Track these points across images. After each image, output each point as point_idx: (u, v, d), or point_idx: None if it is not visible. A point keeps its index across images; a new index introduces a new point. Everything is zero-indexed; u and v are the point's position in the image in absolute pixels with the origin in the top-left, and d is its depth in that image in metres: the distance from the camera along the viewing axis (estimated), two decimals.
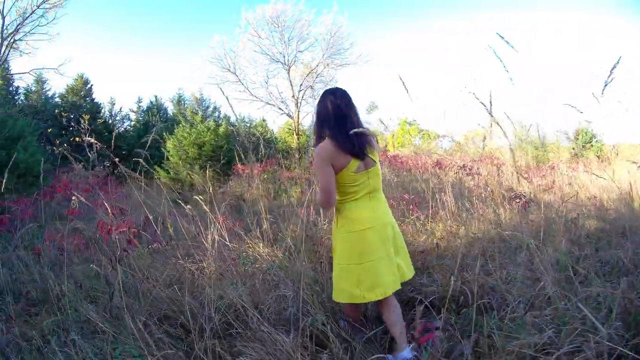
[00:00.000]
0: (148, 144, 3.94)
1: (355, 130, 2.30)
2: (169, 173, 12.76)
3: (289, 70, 15.86)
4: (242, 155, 4.73)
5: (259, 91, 16.05)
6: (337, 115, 2.43)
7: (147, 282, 3.11)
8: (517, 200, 5.21)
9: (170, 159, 13.00)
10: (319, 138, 2.50)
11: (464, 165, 8.50)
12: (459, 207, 5.21)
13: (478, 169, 8.09)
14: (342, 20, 15.74)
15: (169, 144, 13.14)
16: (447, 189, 5.36)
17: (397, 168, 9.97)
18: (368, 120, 33.75)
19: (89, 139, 3.72)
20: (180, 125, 13.93)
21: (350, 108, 2.47)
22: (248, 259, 3.76)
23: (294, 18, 15.67)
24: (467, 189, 6.07)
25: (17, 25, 11.53)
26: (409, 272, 2.59)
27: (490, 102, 2.63)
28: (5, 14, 11.18)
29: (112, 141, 4.83)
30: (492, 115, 2.61)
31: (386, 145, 26.12)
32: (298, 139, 16.06)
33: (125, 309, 2.57)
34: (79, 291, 3.38)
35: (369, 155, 2.47)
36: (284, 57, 15.79)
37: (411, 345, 2.31)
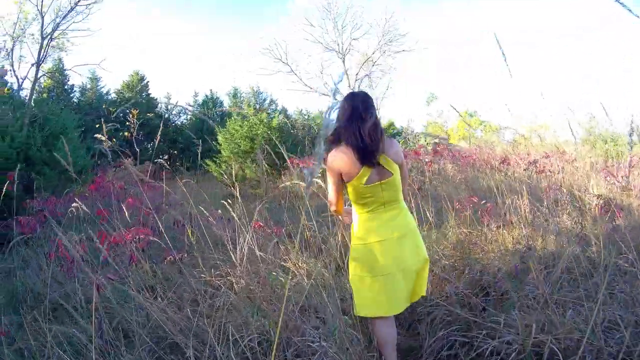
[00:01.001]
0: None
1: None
2: (220, 167, 12.50)
3: (343, 59, 15.21)
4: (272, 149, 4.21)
5: (314, 82, 15.53)
6: (351, 119, 2.27)
7: (145, 303, 2.64)
8: (604, 207, 4.44)
9: (222, 152, 12.75)
10: (335, 142, 2.35)
11: (534, 160, 7.72)
12: (534, 214, 4.50)
13: (552, 165, 7.26)
14: (395, 5, 14.97)
15: (221, 137, 12.89)
16: (520, 190, 4.64)
17: (461, 164, 9.19)
18: (428, 112, 32.74)
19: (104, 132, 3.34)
20: (232, 117, 13.66)
21: (367, 112, 2.28)
22: (281, 278, 3.24)
23: (346, 4, 15.06)
24: (542, 190, 5.27)
25: (56, 24, 11.52)
26: (421, 291, 2.45)
27: None
28: (44, 13, 11.20)
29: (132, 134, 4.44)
30: None
31: (449, 139, 25.11)
32: None
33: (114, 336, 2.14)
34: (88, 306, 3.03)
35: (384, 165, 2.32)
36: (338, 45, 15.18)
37: None
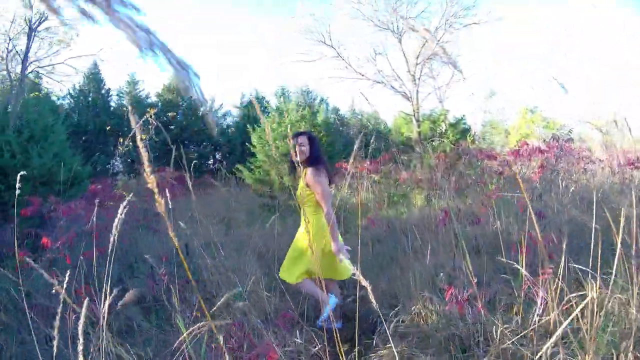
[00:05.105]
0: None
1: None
2: (254, 173, 10.32)
3: (400, 39, 12.51)
4: None
5: (366, 68, 12.89)
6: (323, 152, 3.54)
7: None
8: None
9: (257, 155, 10.57)
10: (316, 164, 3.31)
11: None
12: None
13: None
14: None
15: (254, 138, 10.70)
16: None
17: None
18: (486, 108, 30.42)
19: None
20: (270, 115, 11.49)
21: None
22: None
23: None
24: None
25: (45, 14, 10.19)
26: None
27: None
28: (32, 2, 9.87)
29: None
30: None
31: (507, 136, 22.55)
32: (419, 126, 12.63)
33: None
34: None
35: None
36: (392, 23, 12.52)
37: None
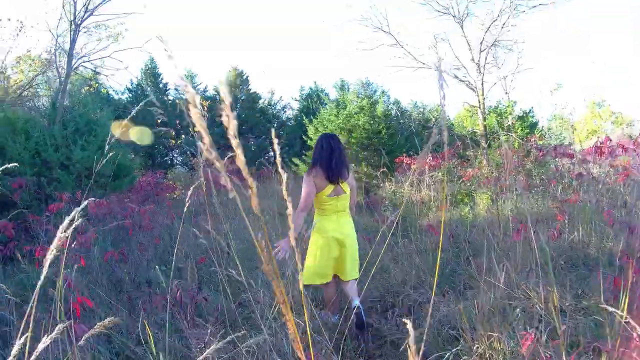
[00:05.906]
0: None
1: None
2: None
3: (462, 23, 11.73)
4: None
5: (426, 56, 12.16)
6: (326, 152, 3.29)
7: None
8: None
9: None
10: (313, 165, 3.38)
11: None
12: None
13: None
14: None
15: (311, 130, 10.48)
16: None
17: None
18: (552, 102, 29.48)
19: None
20: (327, 106, 11.22)
21: (336, 149, 3.33)
22: None
23: None
24: None
25: (87, 6, 10.35)
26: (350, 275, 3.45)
27: None
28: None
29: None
30: None
31: (574, 131, 21.13)
32: (484, 119, 11.89)
33: None
34: None
35: (341, 185, 3.36)
36: (452, 7, 11.70)
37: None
